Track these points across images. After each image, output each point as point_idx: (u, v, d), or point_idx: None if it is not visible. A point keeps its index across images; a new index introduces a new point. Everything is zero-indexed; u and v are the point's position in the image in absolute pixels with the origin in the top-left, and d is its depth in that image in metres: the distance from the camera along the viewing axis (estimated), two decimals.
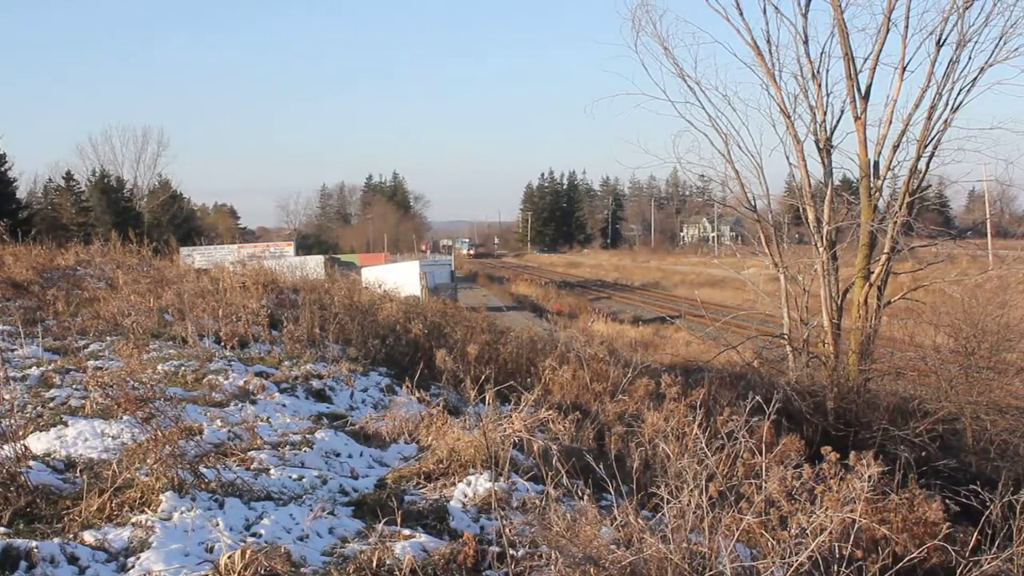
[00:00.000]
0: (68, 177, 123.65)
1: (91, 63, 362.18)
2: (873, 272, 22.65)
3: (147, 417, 8.28)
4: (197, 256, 59.57)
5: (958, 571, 7.21)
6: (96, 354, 14.15)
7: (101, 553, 6.64)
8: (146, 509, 7.35)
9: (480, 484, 9.02)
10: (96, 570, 6.40)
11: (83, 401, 10.89)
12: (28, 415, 10.24)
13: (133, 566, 6.44)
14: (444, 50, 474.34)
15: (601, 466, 8.05)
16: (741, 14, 23.58)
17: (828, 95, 23.17)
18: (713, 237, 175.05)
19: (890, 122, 22.58)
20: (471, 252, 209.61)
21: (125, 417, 9.29)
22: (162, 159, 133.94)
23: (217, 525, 7.20)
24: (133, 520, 7.13)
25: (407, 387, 13.60)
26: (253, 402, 12.13)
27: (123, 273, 22.90)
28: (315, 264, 40.98)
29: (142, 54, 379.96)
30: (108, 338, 15.38)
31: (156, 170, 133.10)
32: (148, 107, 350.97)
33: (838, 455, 9.61)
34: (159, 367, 13.42)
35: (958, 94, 21.97)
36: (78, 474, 8.25)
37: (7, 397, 10.09)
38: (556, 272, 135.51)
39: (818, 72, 23.01)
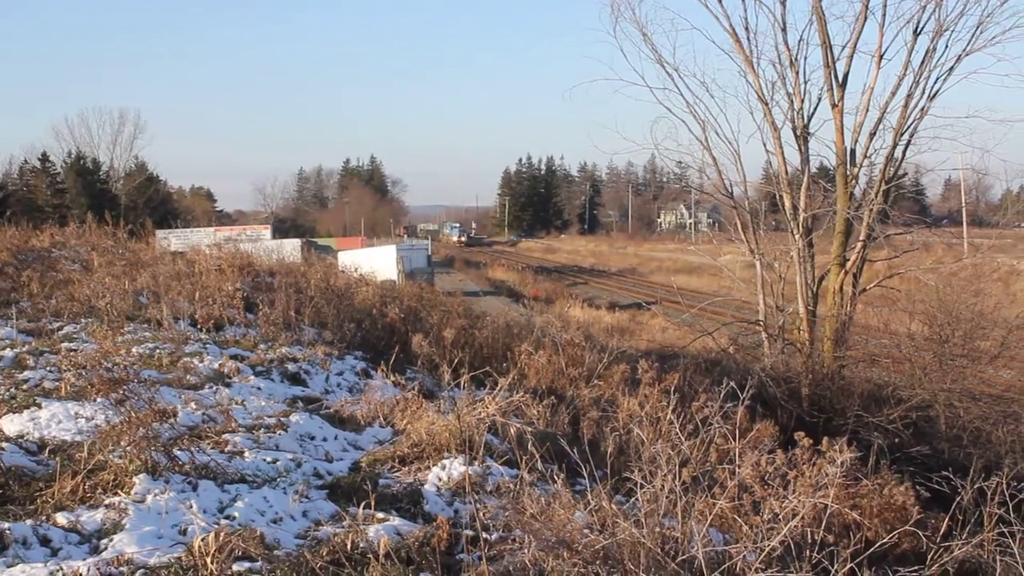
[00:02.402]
0: (44, 159, 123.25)
1: (68, 44, 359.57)
2: (849, 259, 22.77)
3: (121, 399, 8.27)
4: (173, 239, 59.39)
5: (929, 556, 7.25)
6: (70, 336, 14.09)
7: (74, 535, 6.63)
8: (119, 491, 7.34)
9: (454, 468, 9.05)
10: (68, 552, 6.39)
11: (57, 383, 10.85)
12: (1, 397, 10.21)
13: (106, 548, 6.43)
14: (421, 36, 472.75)
15: (575, 451, 8.07)
16: (720, 1, 23.64)
17: (806, 83, 23.28)
18: (690, 224, 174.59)
19: (867, 110, 22.69)
20: (462, 239, 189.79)
21: (99, 399, 9.27)
22: (139, 141, 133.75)
23: (191, 508, 7.19)
24: (106, 502, 7.12)
25: (382, 371, 13.62)
26: (228, 385, 12.10)
27: (98, 255, 22.78)
28: (291, 248, 40.75)
29: (120, 36, 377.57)
30: (83, 320, 15.32)
31: (132, 152, 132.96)
32: (125, 89, 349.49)
33: (811, 441, 9.68)
34: (134, 350, 13.37)
35: (935, 82, 22.10)
36: (51, 456, 8.23)
37: None
38: (533, 257, 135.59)
39: (796, 60, 23.09)
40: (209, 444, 9.19)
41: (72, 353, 12.24)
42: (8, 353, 12.54)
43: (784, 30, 23.12)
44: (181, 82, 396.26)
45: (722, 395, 9.73)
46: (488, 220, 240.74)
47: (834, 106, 22.94)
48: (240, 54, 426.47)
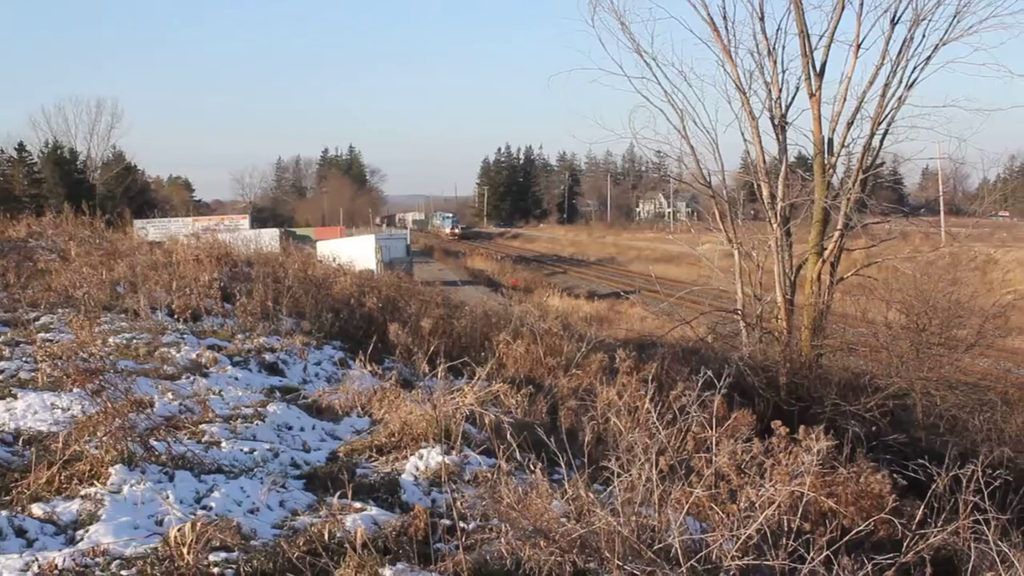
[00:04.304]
0: (20, 148, 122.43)
1: (45, 33, 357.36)
2: (826, 248, 22.84)
3: (97, 390, 8.24)
4: (151, 229, 59.13)
5: (904, 543, 7.29)
6: (47, 327, 14.05)
7: (50, 526, 6.62)
8: (95, 482, 7.33)
9: (432, 458, 9.05)
10: (44, 543, 6.37)
11: (33, 374, 10.83)
12: None
13: (82, 539, 6.42)
14: (400, 25, 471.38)
15: (553, 440, 8.08)
16: None
17: (783, 72, 23.32)
18: (669, 213, 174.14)
19: (844, 99, 22.75)
20: (455, 231, 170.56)
21: (75, 390, 9.22)
22: (116, 131, 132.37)
23: (167, 498, 7.18)
24: (82, 493, 7.11)
25: (360, 361, 13.60)
26: (205, 375, 12.09)
27: (75, 245, 22.76)
28: (270, 237, 40.67)
29: (96, 25, 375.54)
30: (59, 310, 15.28)
31: (110, 142, 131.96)
32: (102, 78, 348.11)
33: (788, 429, 9.71)
34: (110, 340, 13.35)
35: (912, 72, 22.18)
36: (27, 447, 8.20)
37: None
38: (512, 247, 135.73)
39: (774, 49, 23.13)
40: (186, 434, 9.19)
41: (48, 343, 12.22)
42: None
43: (762, 19, 23.17)
44: (158, 71, 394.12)
45: (700, 384, 9.71)
46: (467, 210, 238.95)
47: (812, 95, 23.00)
48: (218, 43, 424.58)
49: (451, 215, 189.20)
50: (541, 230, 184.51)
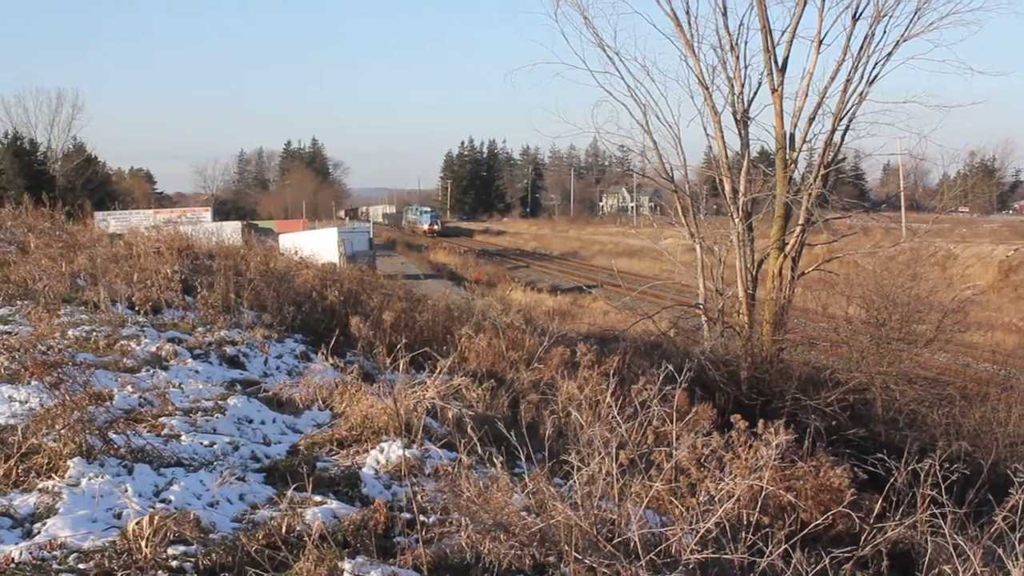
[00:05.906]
0: None
1: (4, 22, 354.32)
2: (788, 243, 22.98)
3: (55, 383, 8.18)
4: (112, 221, 58.84)
5: (863, 537, 7.34)
6: (5, 319, 13.93)
7: (6, 519, 6.56)
8: (53, 475, 7.28)
9: (393, 451, 9.04)
10: (1, 536, 6.32)
11: None
12: None
13: (39, 532, 6.37)
14: (362, 17, 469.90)
15: (514, 434, 8.09)
16: None
17: (746, 67, 23.45)
18: (632, 207, 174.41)
19: (806, 95, 22.91)
20: (435, 227, 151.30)
21: (33, 382, 9.14)
22: (77, 122, 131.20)
23: (126, 491, 7.14)
24: (40, 486, 7.06)
25: (322, 354, 13.57)
26: (165, 368, 12.00)
27: (35, 237, 22.53)
28: (232, 230, 40.41)
29: (57, 15, 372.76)
30: (18, 303, 15.14)
31: (71, 133, 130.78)
32: (62, 69, 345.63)
33: (747, 423, 9.75)
34: (70, 332, 13.23)
35: (873, 67, 22.39)
36: None
37: None
38: (476, 242, 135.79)
39: (736, 44, 23.26)
40: (145, 427, 9.12)
41: (6, 336, 12.11)
42: None
43: (725, 14, 23.31)
44: (120, 63, 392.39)
45: (661, 378, 9.75)
46: (430, 203, 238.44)
47: (774, 91, 23.13)
48: (180, 35, 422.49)
49: (429, 209, 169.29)
50: (505, 224, 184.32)
